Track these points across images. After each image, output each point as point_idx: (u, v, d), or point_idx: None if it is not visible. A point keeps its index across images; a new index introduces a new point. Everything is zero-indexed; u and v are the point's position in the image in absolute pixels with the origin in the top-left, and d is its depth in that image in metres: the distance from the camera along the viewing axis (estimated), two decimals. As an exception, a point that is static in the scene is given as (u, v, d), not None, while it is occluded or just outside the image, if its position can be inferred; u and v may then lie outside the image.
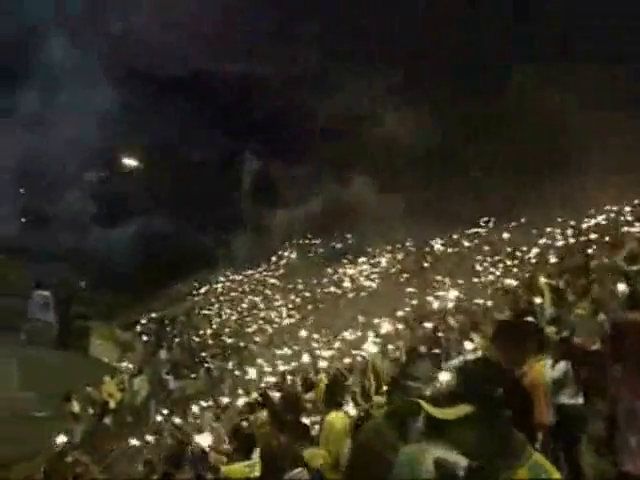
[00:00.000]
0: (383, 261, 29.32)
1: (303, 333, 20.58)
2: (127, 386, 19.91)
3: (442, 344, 11.30)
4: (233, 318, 29.11)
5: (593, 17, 27.29)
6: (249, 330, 26.24)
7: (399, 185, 30.42)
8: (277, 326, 25.58)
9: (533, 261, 17.51)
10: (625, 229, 15.58)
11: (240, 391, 16.87)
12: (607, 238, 15.49)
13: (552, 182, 24.13)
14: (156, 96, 38.19)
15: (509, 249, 21.36)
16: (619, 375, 4.52)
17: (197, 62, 37.86)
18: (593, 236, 16.84)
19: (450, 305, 15.20)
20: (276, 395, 11.23)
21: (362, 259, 30.91)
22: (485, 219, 27.62)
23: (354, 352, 14.55)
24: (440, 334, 12.15)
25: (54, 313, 28.85)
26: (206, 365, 23.26)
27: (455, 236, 27.12)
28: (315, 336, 19.50)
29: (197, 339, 27.55)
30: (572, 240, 18.31)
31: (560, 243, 18.40)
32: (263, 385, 15.83)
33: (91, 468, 7.55)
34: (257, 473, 5.14)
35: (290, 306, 27.82)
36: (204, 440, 8.33)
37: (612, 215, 20.48)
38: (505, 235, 23.92)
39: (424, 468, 1.94)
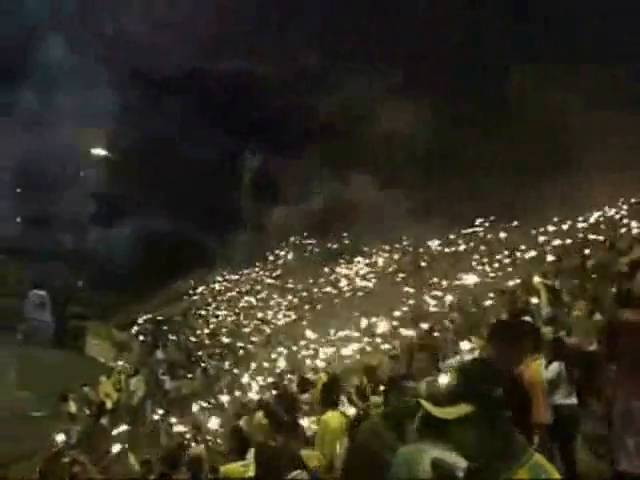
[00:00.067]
0: (380, 261, 29.33)
1: (300, 333, 20.59)
2: (124, 386, 19.90)
3: (439, 344, 11.30)
4: (230, 318, 29.10)
5: (594, 17, 27.32)
6: (246, 330, 26.23)
7: (398, 184, 30.43)
8: (274, 326, 25.59)
9: (530, 261, 17.53)
10: (623, 230, 15.60)
11: (237, 391, 16.91)
12: (604, 238, 15.56)
13: (551, 182, 24.16)
14: (156, 96, 38.21)
15: (506, 249, 21.38)
16: (614, 375, 4.54)
17: (196, 62, 37.83)
18: (591, 236, 16.90)
19: (447, 305, 15.25)
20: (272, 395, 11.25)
21: (359, 259, 30.93)
22: (482, 219, 27.62)
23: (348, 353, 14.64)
24: (436, 334, 12.17)
25: (50, 313, 28.83)
26: (202, 365, 23.25)
27: (452, 236, 27.13)
28: (312, 336, 19.49)
29: (194, 339, 27.54)
30: (569, 240, 18.35)
31: (558, 243, 18.42)
32: (259, 385, 15.85)
33: (89, 468, 7.52)
34: (252, 473, 5.14)
35: (287, 306, 27.82)
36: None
37: (610, 215, 20.53)
38: (502, 235, 23.95)
39: (421, 468, 1.95)
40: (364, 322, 17.90)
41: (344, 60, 34.70)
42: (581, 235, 18.58)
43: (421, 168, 30.93)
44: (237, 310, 30.09)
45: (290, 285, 30.81)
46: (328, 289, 27.76)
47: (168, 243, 36.61)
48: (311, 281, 29.76)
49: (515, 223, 24.41)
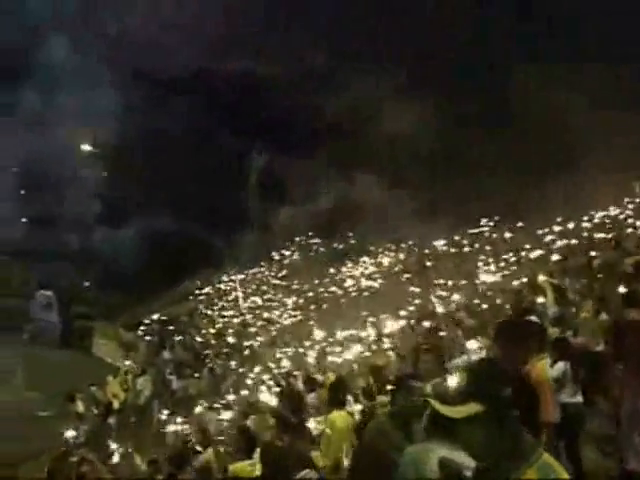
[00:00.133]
0: (386, 261, 29.33)
1: (306, 333, 20.63)
2: (131, 386, 19.94)
3: (445, 344, 11.29)
4: (236, 319, 29.12)
5: (597, 17, 27.26)
6: (252, 330, 26.26)
7: (404, 184, 30.39)
8: (280, 326, 25.62)
9: (536, 260, 17.51)
10: (629, 230, 15.56)
11: (243, 391, 16.93)
12: (610, 236, 15.53)
13: (555, 182, 24.13)
14: (163, 96, 38.25)
15: (511, 249, 21.36)
16: (620, 375, 4.54)
17: (203, 62, 37.86)
18: (597, 235, 16.86)
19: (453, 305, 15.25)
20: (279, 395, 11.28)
21: (365, 258, 30.93)
22: (488, 219, 27.59)
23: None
24: (443, 333, 12.15)
25: (57, 313, 28.90)
26: (209, 365, 23.28)
27: (457, 236, 27.11)
28: (318, 336, 19.52)
29: (200, 339, 27.58)
30: (575, 239, 18.32)
31: (563, 242, 18.40)
32: (266, 384, 15.88)
33: (97, 466, 7.55)
34: (258, 472, 5.16)
35: (293, 306, 27.84)
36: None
37: (615, 214, 20.48)
38: (508, 235, 23.93)
39: (429, 467, 1.96)
40: (370, 322, 17.92)
41: (351, 60, 34.77)
42: (586, 234, 18.54)
43: (427, 168, 30.91)
44: (243, 310, 30.12)
45: (296, 285, 30.83)
46: (334, 289, 27.78)
47: (174, 243, 36.62)
48: (317, 281, 29.78)
49: (520, 224, 24.36)
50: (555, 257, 15.66)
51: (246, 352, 23.51)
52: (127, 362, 24.41)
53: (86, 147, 38.42)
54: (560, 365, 7.05)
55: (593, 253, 13.91)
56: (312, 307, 26.20)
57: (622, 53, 25.58)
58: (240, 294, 33.16)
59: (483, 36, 30.94)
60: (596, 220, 20.63)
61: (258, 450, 5.70)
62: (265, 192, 39.95)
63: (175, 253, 36.20)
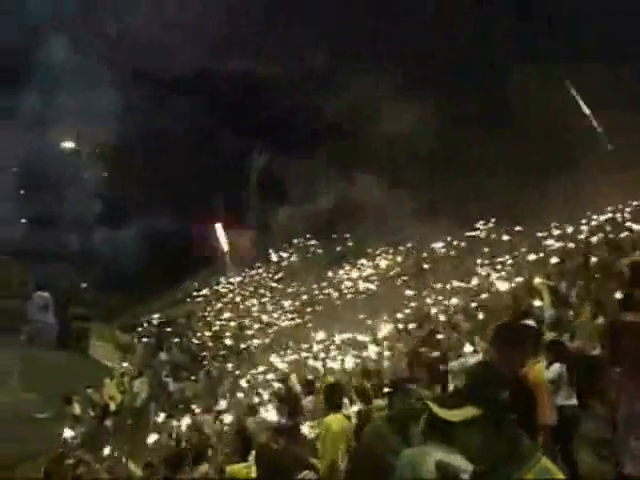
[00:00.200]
0: (384, 263, 29.32)
1: (303, 335, 20.63)
2: (127, 388, 19.92)
3: (442, 347, 11.30)
4: (233, 322, 29.08)
5: (597, 17, 27.27)
6: (249, 332, 26.25)
7: (405, 185, 30.36)
8: (277, 328, 25.61)
9: (534, 263, 17.52)
10: (626, 233, 15.56)
11: (240, 393, 16.94)
12: (607, 239, 15.53)
13: (555, 182, 24.13)
14: (163, 96, 38.21)
15: (510, 251, 21.38)
16: (617, 378, 4.55)
17: (204, 62, 37.83)
18: (595, 238, 16.86)
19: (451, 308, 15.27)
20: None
21: (363, 261, 30.92)
22: (487, 220, 27.59)
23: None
24: (440, 336, 12.17)
25: (53, 314, 28.84)
26: (206, 367, 23.27)
27: (456, 238, 27.10)
28: (315, 338, 19.53)
29: (197, 341, 27.55)
30: (573, 241, 18.33)
31: (561, 244, 18.40)
32: (263, 387, 15.89)
33: (94, 467, 7.56)
34: (254, 475, 5.17)
35: (290, 308, 27.83)
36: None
37: (614, 216, 20.49)
38: (506, 237, 23.94)
39: (425, 469, 1.97)
40: (367, 324, 17.94)
41: (351, 60, 34.76)
42: (585, 236, 18.56)
43: (427, 168, 30.91)
44: (240, 312, 30.10)
45: (293, 287, 30.81)
46: (331, 291, 27.77)
47: (174, 244, 36.53)
48: (315, 285, 29.76)
49: (518, 227, 24.37)
50: (553, 260, 15.66)
51: (243, 354, 23.51)
52: (124, 364, 24.40)
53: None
54: (556, 367, 7.07)
55: (591, 253, 13.92)
56: (309, 309, 26.18)
57: (622, 53, 25.59)
58: (237, 296, 33.14)
59: (483, 36, 30.96)
60: (594, 222, 20.62)
61: (253, 453, 5.71)
62: (265, 192, 39.96)
63: (176, 253, 36.10)
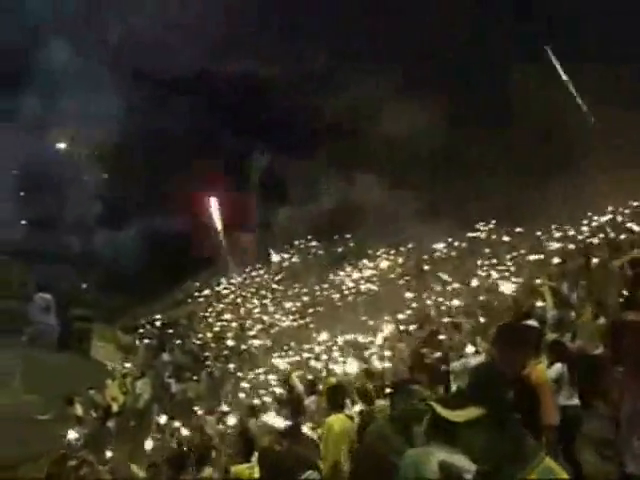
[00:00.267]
0: (385, 264, 29.29)
1: (305, 336, 20.63)
2: (129, 389, 19.92)
3: (444, 347, 11.30)
4: (234, 322, 29.06)
5: (598, 17, 27.26)
6: (251, 333, 26.23)
7: (405, 185, 30.33)
8: (278, 328, 25.60)
9: (535, 264, 17.52)
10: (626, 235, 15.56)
11: (242, 394, 16.94)
12: (608, 240, 15.53)
13: (556, 183, 24.11)
14: (164, 96, 38.21)
15: (511, 251, 21.38)
16: (620, 377, 4.55)
17: (204, 63, 37.82)
18: (595, 239, 16.86)
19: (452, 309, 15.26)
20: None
21: (364, 261, 30.90)
22: (487, 221, 27.57)
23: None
24: (442, 337, 12.16)
25: (55, 316, 28.84)
26: (208, 368, 23.27)
27: (457, 239, 27.08)
28: (317, 339, 19.52)
29: (199, 342, 27.54)
30: (574, 241, 18.33)
31: (562, 245, 18.40)
32: (265, 388, 15.89)
33: (97, 468, 7.57)
34: (257, 475, 5.18)
35: (291, 309, 27.81)
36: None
37: (615, 217, 20.48)
38: (506, 238, 23.93)
39: (429, 468, 1.98)
40: (369, 325, 17.93)
41: (351, 60, 34.76)
42: (586, 236, 18.56)
43: (427, 168, 30.90)
44: (242, 313, 30.09)
45: (294, 288, 30.80)
46: (332, 292, 27.76)
47: (175, 245, 36.51)
48: (316, 285, 29.75)
49: (518, 229, 24.35)
50: (554, 260, 15.66)
51: (245, 355, 23.50)
52: (127, 365, 24.41)
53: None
54: (558, 366, 7.08)
55: (592, 257, 13.91)
56: (311, 310, 26.16)
57: (622, 53, 25.55)
58: (239, 296, 33.14)
59: (482, 36, 30.96)
60: (595, 223, 20.60)
61: (256, 454, 5.73)
62: (266, 193, 39.94)
63: (176, 254, 36.10)
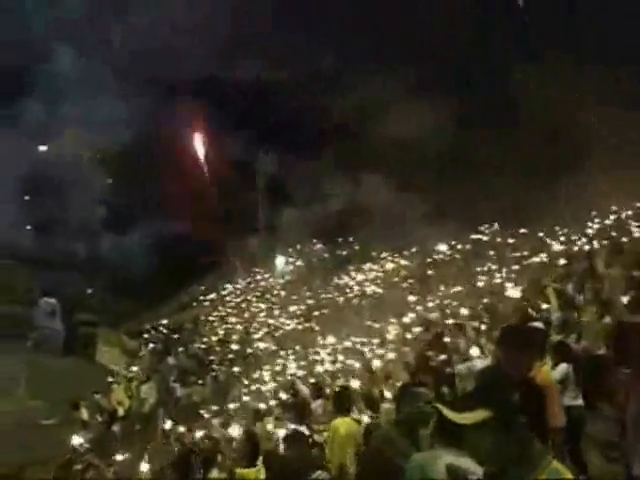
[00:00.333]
0: (390, 266, 29.25)
1: (310, 339, 20.62)
2: (135, 393, 19.94)
3: (448, 350, 11.28)
4: (240, 326, 29.05)
5: (597, 17, 27.22)
6: (256, 337, 26.21)
7: (412, 187, 30.24)
8: (284, 332, 25.58)
9: (540, 265, 17.47)
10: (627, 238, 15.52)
11: (247, 398, 16.93)
12: (615, 238, 15.49)
13: (562, 183, 24.05)
14: (169, 100, 38.24)
15: (516, 253, 21.32)
16: (625, 379, 4.53)
17: (210, 64, 37.80)
18: (601, 240, 16.79)
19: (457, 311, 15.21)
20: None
21: (369, 264, 30.87)
22: (493, 223, 27.52)
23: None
24: (446, 339, 12.13)
25: (60, 320, 28.91)
26: (213, 372, 23.26)
27: (463, 241, 27.04)
28: (322, 343, 19.51)
29: (204, 346, 27.53)
30: (579, 243, 18.28)
31: (567, 247, 18.35)
32: (270, 392, 15.89)
33: (104, 472, 7.58)
34: (262, 477, 5.19)
35: (296, 312, 27.78)
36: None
37: (619, 218, 20.42)
38: (511, 240, 23.87)
39: (436, 470, 1.97)
40: (374, 328, 17.91)
41: (358, 61, 34.77)
42: (591, 237, 18.50)
43: (434, 170, 30.85)
44: (247, 316, 30.09)
45: (300, 291, 30.78)
46: (337, 295, 27.74)
47: (180, 249, 36.51)
48: (320, 288, 29.74)
49: (525, 229, 24.29)
50: (560, 262, 15.62)
51: (250, 359, 23.48)
52: (134, 368, 24.44)
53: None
54: (562, 367, 7.07)
55: (597, 259, 13.87)
56: (316, 313, 26.13)
57: (622, 54, 25.49)
58: (244, 300, 33.15)
59: (487, 36, 30.94)
60: (597, 226, 20.53)
61: (261, 457, 5.73)
62: (272, 195, 39.87)
63: (182, 258, 36.09)
